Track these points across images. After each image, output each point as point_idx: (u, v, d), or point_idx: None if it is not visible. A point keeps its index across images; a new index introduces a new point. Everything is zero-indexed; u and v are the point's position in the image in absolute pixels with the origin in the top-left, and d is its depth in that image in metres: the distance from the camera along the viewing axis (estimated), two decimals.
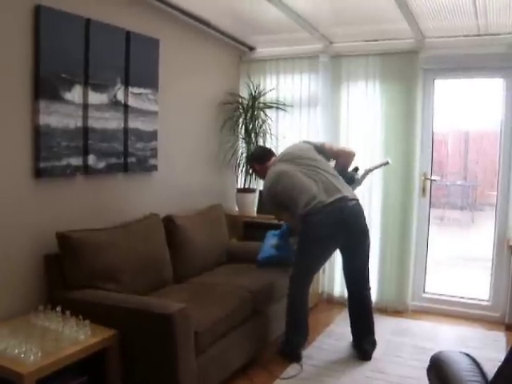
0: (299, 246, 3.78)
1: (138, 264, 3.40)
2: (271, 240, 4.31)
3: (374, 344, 3.92)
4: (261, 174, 4.23)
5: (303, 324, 3.86)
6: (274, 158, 4.14)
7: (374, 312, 4.26)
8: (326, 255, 3.90)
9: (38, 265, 3.12)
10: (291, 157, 3.95)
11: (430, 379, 2.20)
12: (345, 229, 3.69)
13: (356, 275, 3.96)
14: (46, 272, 3.15)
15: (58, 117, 3.14)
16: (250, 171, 4.80)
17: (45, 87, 3.04)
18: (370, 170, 4.23)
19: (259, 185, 5.26)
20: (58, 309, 2.82)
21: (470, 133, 12.26)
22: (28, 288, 3.07)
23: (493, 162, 6.82)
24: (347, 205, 3.70)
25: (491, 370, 1.78)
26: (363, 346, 3.89)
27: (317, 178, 3.77)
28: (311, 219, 3.64)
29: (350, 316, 4.01)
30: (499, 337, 4.29)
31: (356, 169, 4.16)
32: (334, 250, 3.92)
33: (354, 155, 4.13)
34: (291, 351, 3.82)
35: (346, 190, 3.78)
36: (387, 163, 4.25)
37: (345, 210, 3.68)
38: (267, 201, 4.02)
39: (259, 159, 4.25)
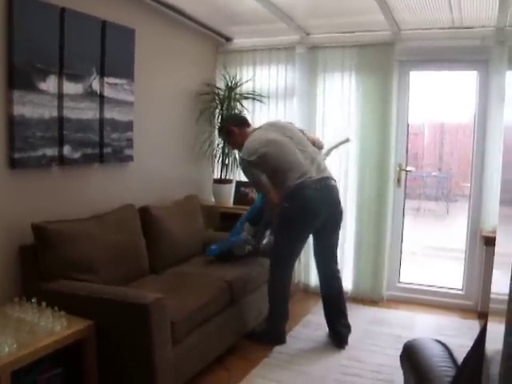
0: (284, 224, 3.75)
1: (113, 255, 3.39)
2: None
3: (348, 328, 3.97)
4: (238, 140, 4.02)
5: (286, 309, 3.92)
6: (252, 128, 4.08)
7: (350, 302, 4.34)
8: (308, 233, 3.88)
9: (13, 256, 3.10)
10: (280, 128, 3.95)
11: (402, 365, 2.25)
12: (329, 207, 3.78)
13: (328, 256, 4.01)
14: (22, 263, 3.13)
15: (33, 107, 3.11)
16: (223, 140, 4.60)
17: (19, 77, 3.00)
18: (331, 149, 4.27)
19: (236, 176, 5.26)
20: (34, 300, 2.79)
21: (446, 125, 12.38)
22: (3, 279, 3.05)
23: (467, 153, 6.91)
24: (331, 184, 3.80)
25: (463, 356, 1.82)
26: (339, 329, 3.94)
27: (306, 153, 3.81)
28: (302, 192, 3.64)
29: (323, 300, 4.04)
30: (472, 324, 4.37)
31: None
32: (314, 228, 3.84)
33: (322, 146, 4.18)
34: (276, 335, 3.91)
35: (328, 171, 3.87)
36: (347, 140, 4.34)
37: (330, 189, 3.79)
38: (249, 166, 3.79)
39: (240, 122, 4.12)
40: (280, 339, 3.92)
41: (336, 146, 4.30)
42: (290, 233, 3.77)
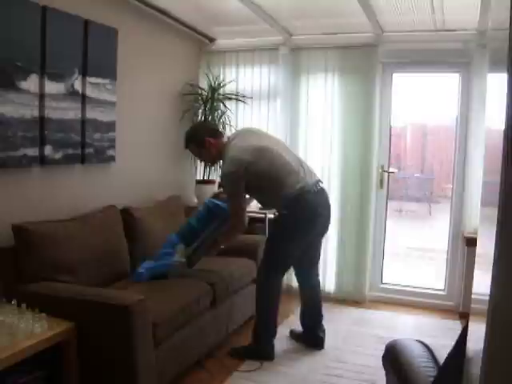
0: (285, 233, 3.57)
1: (95, 256, 3.36)
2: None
3: (325, 331, 3.96)
4: (213, 152, 3.71)
5: (276, 322, 3.76)
6: (225, 138, 3.77)
7: (333, 302, 4.37)
8: (309, 240, 3.68)
9: None
10: (260, 135, 3.81)
11: (385, 366, 2.25)
12: (325, 211, 3.70)
13: (315, 261, 3.96)
14: (1, 265, 3.06)
15: (14, 106, 3.07)
16: (193, 152, 3.94)
17: None
18: None
19: (218, 176, 5.23)
20: (14, 302, 2.75)
21: (428, 127, 12.48)
22: None
23: (449, 155, 6.98)
24: (322, 187, 3.72)
25: (444, 356, 1.83)
26: (318, 333, 3.92)
27: (293, 158, 3.70)
28: (305, 198, 3.51)
29: (305, 306, 3.99)
30: (454, 325, 4.40)
31: None
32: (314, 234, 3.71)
33: None
34: (266, 352, 3.69)
35: (315, 174, 3.79)
36: None
37: (324, 192, 3.72)
38: (235, 180, 3.49)
39: (216, 133, 3.77)
40: (269, 355, 3.68)
41: None
42: (291, 242, 3.60)
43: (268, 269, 3.67)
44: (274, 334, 3.74)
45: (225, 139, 3.74)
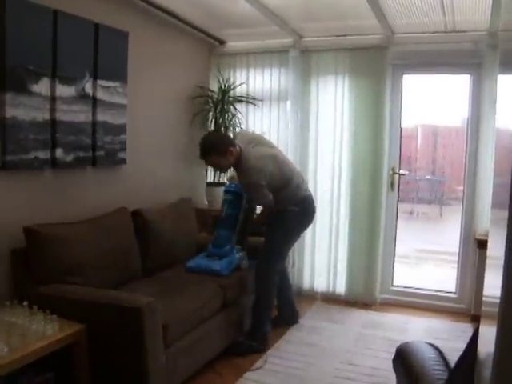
0: (293, 225, 3.95)
1: (106, 258, 3.37)
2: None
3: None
4: (231, 160, 3.75)
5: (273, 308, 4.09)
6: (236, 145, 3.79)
7: (343, 305, 4.41)
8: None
9: (4, 259, 3.08)
10: (267, 142, 4.16)
11: (395, 369, 2.24)
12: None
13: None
14: (13, 267, 3.10)
15: (25, 109, 3.09)
16: (212, 164, 4.04)
17: (11, 79, 2.98)
18: None
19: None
20: (25, 304, 2.77)
21: (439, 128, 12.42)
22: None
23: (460, 157, 6.94)
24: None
25: (455, 359, 1.82)
26: (296, 308, 4.43)
27: (292, 165, 4.18)
28: (311, 197, 4.09)
29: (280, 290, 4.19)
30: (465, 328, 4.37)
31: None
32: None
33: None
34: (265, 342, 3.87)
35: None
36: None
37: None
38: (262, 188, 3.71)
39: (233, 142, 3.80)
40: (265, 347, 3.85)
41: None
42: (295, 233, 4.07)
43: (273, 256, 3.94)
44: (270, 322, 3.99)
45: (238, 148, 3.78)
